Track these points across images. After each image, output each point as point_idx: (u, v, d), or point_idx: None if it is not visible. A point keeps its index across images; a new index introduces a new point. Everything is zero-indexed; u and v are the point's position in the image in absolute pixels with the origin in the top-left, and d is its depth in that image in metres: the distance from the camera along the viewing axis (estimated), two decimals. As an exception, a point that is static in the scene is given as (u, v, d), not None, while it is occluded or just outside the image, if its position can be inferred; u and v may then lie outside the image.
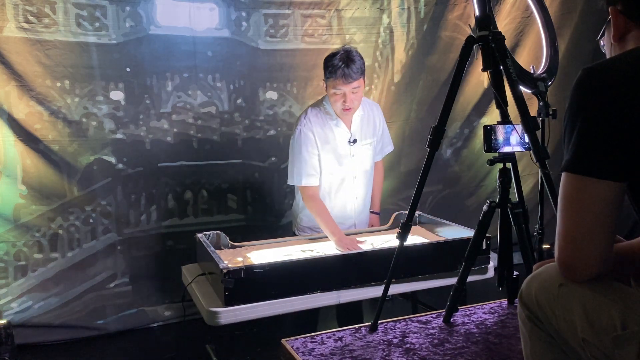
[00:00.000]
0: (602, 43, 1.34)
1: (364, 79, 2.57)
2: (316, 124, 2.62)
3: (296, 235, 2.81)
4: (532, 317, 1.21)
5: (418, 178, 1.96)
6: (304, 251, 2.53)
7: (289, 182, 2.70)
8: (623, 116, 1.04)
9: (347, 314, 2.67)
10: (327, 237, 2.69)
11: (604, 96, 1.06)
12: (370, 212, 2.89)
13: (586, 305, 1.10)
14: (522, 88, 2.10)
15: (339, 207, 2.74)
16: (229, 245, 2.58)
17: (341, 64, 2.47)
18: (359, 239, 2.64)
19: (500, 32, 1.92)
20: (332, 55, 2.53)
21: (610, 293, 1.09)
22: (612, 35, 1.21)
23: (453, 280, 2.05)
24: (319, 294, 2.20)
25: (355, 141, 2.68)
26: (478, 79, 3.95)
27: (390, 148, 2.92)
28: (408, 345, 1.86)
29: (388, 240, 2.67)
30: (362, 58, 2.55)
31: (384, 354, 1.81)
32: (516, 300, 2.14)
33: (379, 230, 2.86)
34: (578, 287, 1.12)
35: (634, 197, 1.13)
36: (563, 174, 1.10)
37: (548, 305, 1.16)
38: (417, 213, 2.85)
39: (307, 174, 2.61)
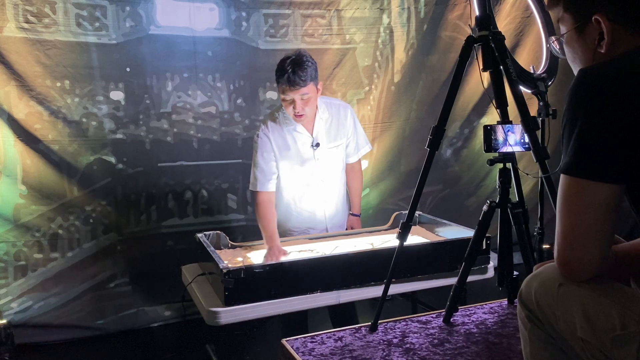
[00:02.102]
0: (554, 45, 1.33)
1: (315, 85, 2.49)
2: (274, 129, 2.57)
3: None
4: (531, 317, 1.21)
5: (418, 178, 1.96)
6: (303, 251, 2.53)
7: (249, 188, 2.66)
8: (622, 118, 1.04)
9: (341, 314, 2.66)
10: (326, 237, 2.70)
11: (602, 98, 1.05)
12: (350, 214, 2.84)
13: (585, 305, 1.10)
14: (522, 88, 2.10)
15: (307, 212, 2.70)
16: (229, 245, 2.58)
17: (288, 69, 2.39)
18: (357, 239, 2.64)
19: (500, 32, 1.92)
20: (284, 59, 2.45)
21: (609, 293, 1.10)
22: (597, 44, 1.18)
23: (453, 280, 2.05)
24: (319, 294, 2.20)
25: (318, 145, 2.61)
26: (478, 78, 3.94)
27: (367, 148, 2.82)
28: (408, 345, 1.86)
29: (388, 240, 2.67)
30: (314, 63, 2.47)
31: (384, 354, 1.81)
32: (516, 300, 2.15)
33: (379, 230, 2.86)
34: (577, 287, 1.12)
35: (632, 199, 1.13)
36: (562, 176, 1.10)
37: (547, 305, 1.16)
38: (417, 213, 2.85)
39: (260, 181, 2.57)
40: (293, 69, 2.39)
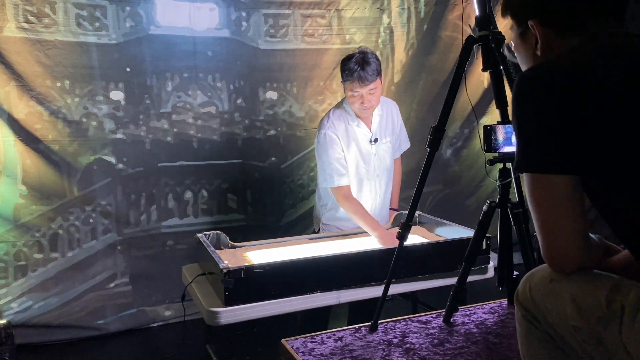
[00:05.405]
0: (508, 52, 1.40)
1: (381, 79, 2.62)
2: (339, 125, 2.67)
3: (317, 233, 2.86)
4: (527, 316, 1.24)
5: (418, 178, 1.96)
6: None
7: (321, 185, 2.74)
8: (561, 113, 1.09)
9: (361, 315, 2.65)
10: (328, 237, 2.70)
11: (539, 96, 1.12)
12: (390, 208, 2.94)
13: (575, 294, 1.14)
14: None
15: (364, 205, 2.76)
16: (229, 245, 2.58)
17: (357, 67, 2.52)
18: (357, 239, 2.63)
19: (500, 32, 1.92)
20: (349, 58, 2.58)
21: (597, 280, 1.14)
22: (535, 48, 1.27)
23: (453, 280, 2.05)
24: (319, 294, 2.20)
25: (376, 140, 2.74)
26: (478, 79, 3.95)
27: (407, 145, 2.98)
28: (408, 345, 1.86)
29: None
30: (378, 59, 2.60)
31: (384, 354, 1.81)
32: (516, 300, 2.15)
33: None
34: (567, 280, 1.16)
35: (587, 191, 1.17)
36: (523, 175, 1.16)
37: (542, 301, 1.19)
38: (417, 213, 2.85)
39: (337, 175, 2.65)
40: (362, 66, 2.52)
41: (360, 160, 2.73)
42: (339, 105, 2.75)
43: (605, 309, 1.09)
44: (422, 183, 1.96)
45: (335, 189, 2.67)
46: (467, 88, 1.94)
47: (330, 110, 2.76)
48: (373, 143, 2.74)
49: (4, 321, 2.90)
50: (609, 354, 1.10)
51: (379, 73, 2.58)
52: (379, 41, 3.73)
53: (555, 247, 1.13)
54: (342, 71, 2.60)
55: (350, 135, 2.69)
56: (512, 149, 1.93)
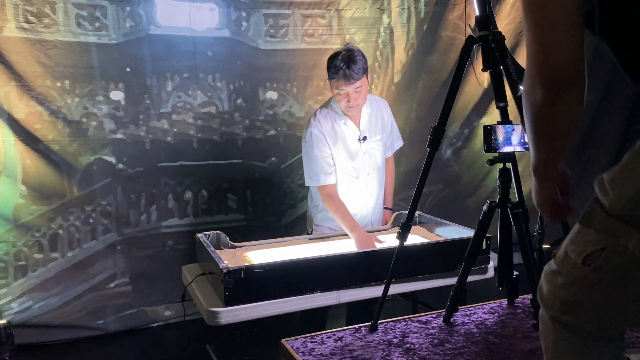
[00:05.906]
0: None
1: (367, 77, 2.60)
2: (326, 124, 2.66)
3: (310, 234, 2.84)
4: (554, 316, 1.16)
5: (418, 178, 1.96)
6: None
7: (307, 184, 2.74)
8: None
9: (359, 315, 2.66)
10: (327, 237, 2.70)
11: None
12: (384, 208, 2.93)
13: (570, 241, 1.12)
14: (522, 88, 2.09)
15: (354, 205, 2.76)
16: (229, 245, 2.58)
17: (342, 65, 2.50)
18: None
19: (500, 32, 1.92)
20: (334, 56, 2.56)
21: None
22: None
23: (453, 280, 2.05)
24: (319, 294, 2.20)
25: (365, 138, 2.72)
26: (479, 78, 3.95)
27: (400, 143, 2.96)
28: (408, 345, 1.86)
29: (388, 240, 2.66)
30: (364, 57, 2.58)
31: (384, 354, 1.81)
32: (516, 301, 2.15)
33: (379, 231, 2.85)
34: (562, 247, 1.14)
35: (593, 24, 1.11)
36: None
37: (561, 277, 1.14)
38: (417, 213, 2.85)
39: (322, 173, 2.64)
40: (347, 65, 2.50)
41: (348, 159, 2.71)
42: (326, 104, 2.74)
43: (588, 217, 1.07)
44: (422, 183, 1.96)
45: (320, 188, 2.67)
46: (466, 88, 1.95)
47: (317, 109, 2.75)
48: (362, 141, 2.71)
49: (4, 321, 2.90)
50: (622, 253, 1.02)
51: (365, 71, 2.56)
52: (379, 41, 3.73)
53: (553, 51, 1.04)
54: (328, 69, 2.58)
55: (337, 134, 2.68)
56: (512, 149, 1.93)
